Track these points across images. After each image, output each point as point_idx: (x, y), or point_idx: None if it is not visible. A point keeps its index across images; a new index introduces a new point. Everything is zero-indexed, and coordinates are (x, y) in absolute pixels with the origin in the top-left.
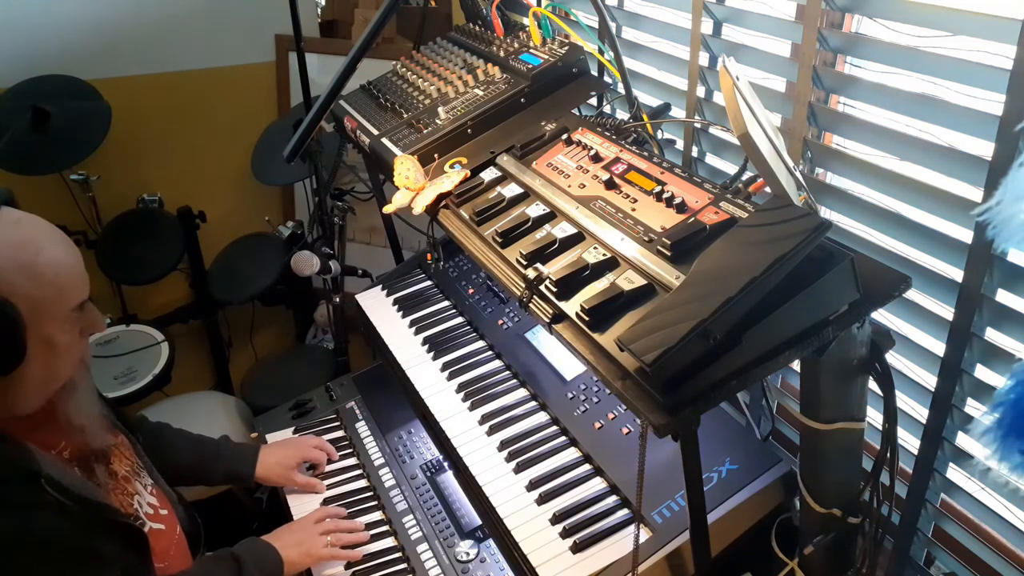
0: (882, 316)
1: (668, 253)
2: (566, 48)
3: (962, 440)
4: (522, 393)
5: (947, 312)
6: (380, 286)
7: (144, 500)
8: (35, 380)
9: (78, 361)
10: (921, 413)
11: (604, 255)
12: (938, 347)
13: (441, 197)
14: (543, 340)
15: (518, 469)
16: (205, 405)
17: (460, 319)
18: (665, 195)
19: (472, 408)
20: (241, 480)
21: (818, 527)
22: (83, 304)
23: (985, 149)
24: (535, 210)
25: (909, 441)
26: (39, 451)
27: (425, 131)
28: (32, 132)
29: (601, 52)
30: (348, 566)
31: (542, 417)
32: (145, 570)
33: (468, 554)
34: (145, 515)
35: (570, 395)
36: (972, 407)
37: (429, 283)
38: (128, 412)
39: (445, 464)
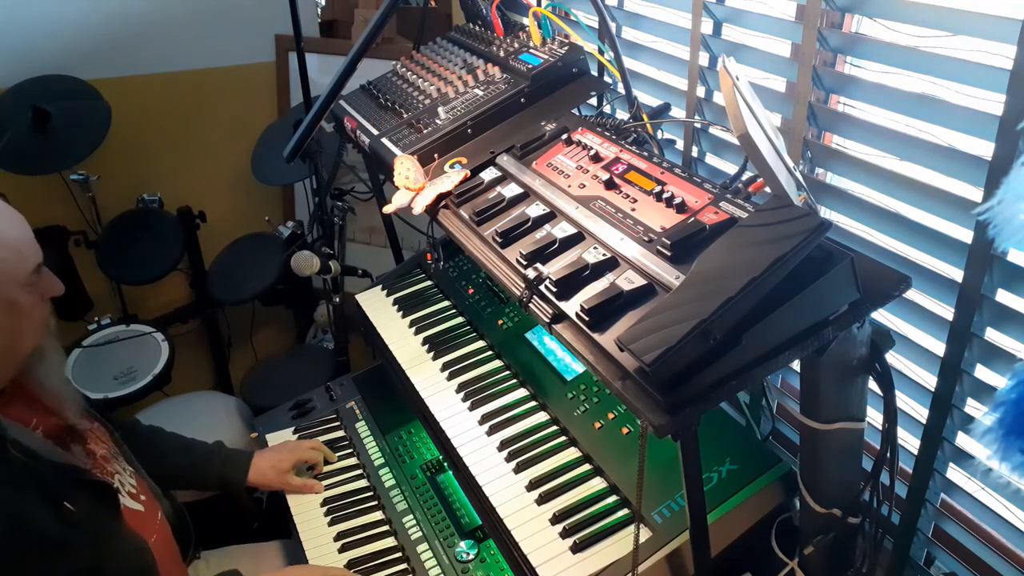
0: (882, 316)
1: (668, 253)
2: (566, 48)
3: (962, 440)
4: (522, 393)
5: (947, 312)
6: (380, 286)
7: (125, 480)
8: (3, 345)
9: (43, 325)
10: (921, 413)
11: (604, 255)
12: (938, 347)
13: (441, 197)
14: (543, 340)
15: (518, 469)
16: (205, 405)
17: (460, 319)
18: (665, 195)
19: (472, 408)
20: (233, 486)
21: (818, 527)
22: (39, 267)
23: (985, 149)
24: (535, 210)
25: (909, 441)
26: (7, 420)
27: (425, 131)
28: (32, 132)
29: (601, 52)
30: (349, 566)
31: (542, 417)
32: (116, 525)
33: (468, 554)
34: (128, 494)
35: (570, 395)
36: (972, 407)
37: (429, 283)
38: (124, 413)
39: (445, 464)
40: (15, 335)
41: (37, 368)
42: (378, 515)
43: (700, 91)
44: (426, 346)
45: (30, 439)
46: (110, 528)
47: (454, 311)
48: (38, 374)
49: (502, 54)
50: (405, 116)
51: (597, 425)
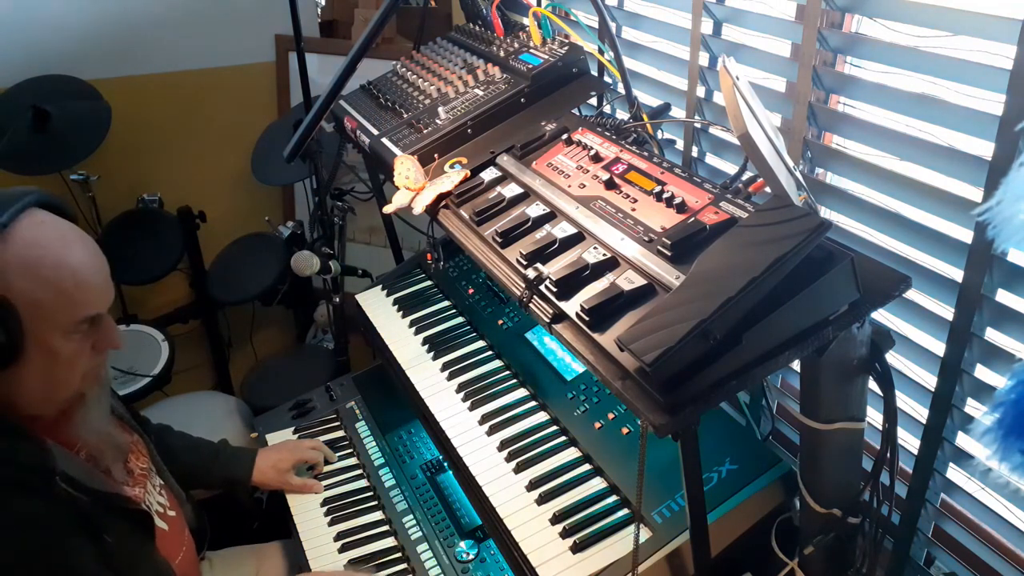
0: (882, 316)
1: (668, 253)
2: (566, 48)
3: (962, 440)
4: (522, 393)
5: (947, 312)
6: (380, 286)
7: (154, 499)
8: (34, 385)
9: (89, 376)
10: (921, 413)
11: (604, 255)
12: (938, 347)
13: (441, 197)
14: (543, 340)
15: (518, 469)
16: (205, 405)
17: (460, 319)
18: (665, 195)
19: (472, 408)
20: (237, 485)
21: (818, 527)
22: (96, 317)
23: (985, 149)
24: (535, 210)
25: (909, 441)
26: (57, 447)
27: (425, 131)
28: (32, 132)
29: (601, 52)
30: (348, 566)
31: (542, 417)
32: (148, 552)
33: (468, 554)
34: (156, 513)
35: (570, 395)
36: (972, 407)
37: (429, 283)
38: None
39: (445, 464)
40: (50, 382)
41: (76, 412)
42: (378, 515)
43: (700, 91)
44: (426, 346)
45: (74, 467)
46: (142, 557)
47: (454, 311)
48: (76, 419)
49: (502, 54)
50: (405, 116)
51: (597, 425)
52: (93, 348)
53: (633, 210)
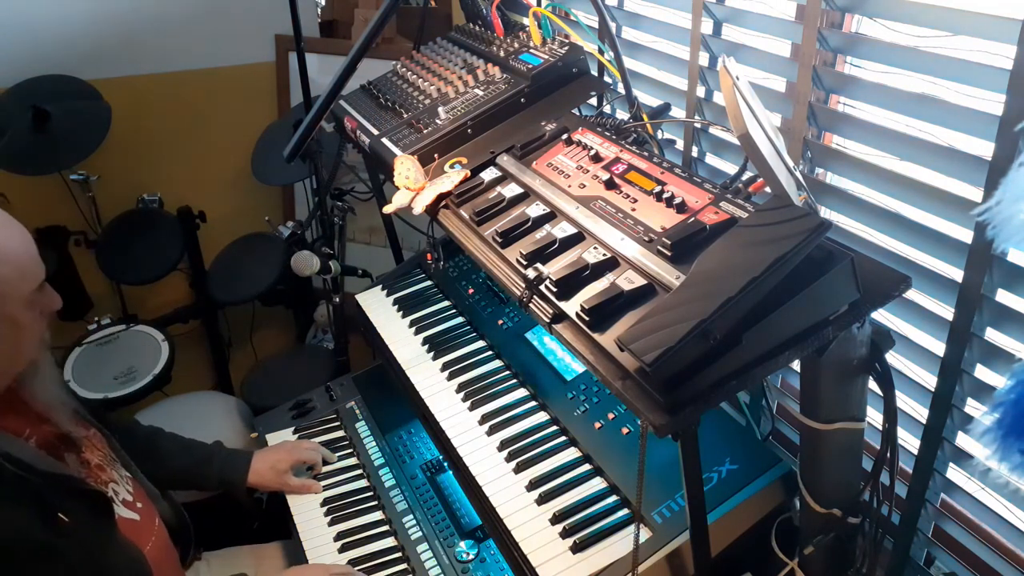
0: (882, 316)
1: (668, 253)
2: (566, 48)
3: (962, 440)
4: (522, 393)
5: (947, 312)
6: (380, 286)
7: (121, 489)
8: (1, 360)
9: (41, 341)
10: (921, 413)
11: (604, 255)
12: (938, 347)
13: (441, 197)
14: (543, 340)
15: (518, 469)
16: (205, 405)
17: (460, 319)
18: (665, 195)
19: (472, 408)
20: (234, 486)
21: (818, 527)
22: (41, 285)
23: (985, 149)
24: (535, 210)
25: (909, 441)
26: (0, 432)
27: (425, 131)
28: (32, 132)
29: (601, 52)
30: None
31: (542, 417)
32: (110, 535)
33: (468, 554)
34: (123, 502)
35: (570, 395)
36: (972, 407)
37: (429, 283)
38: (124, 414)
39: (445, 464)
40: (13, 351)
41: (31, 381)
42: (378, 515)
43: (700, 91)
44: (426, 346)
45: (23, 451)
46: (104, 538)
47: (454, 311)
48: (31, 387)
49: (502, 54)
50: (405, 116)
51: (597, 425)
52: (40, 313)
53: (633, 210)
